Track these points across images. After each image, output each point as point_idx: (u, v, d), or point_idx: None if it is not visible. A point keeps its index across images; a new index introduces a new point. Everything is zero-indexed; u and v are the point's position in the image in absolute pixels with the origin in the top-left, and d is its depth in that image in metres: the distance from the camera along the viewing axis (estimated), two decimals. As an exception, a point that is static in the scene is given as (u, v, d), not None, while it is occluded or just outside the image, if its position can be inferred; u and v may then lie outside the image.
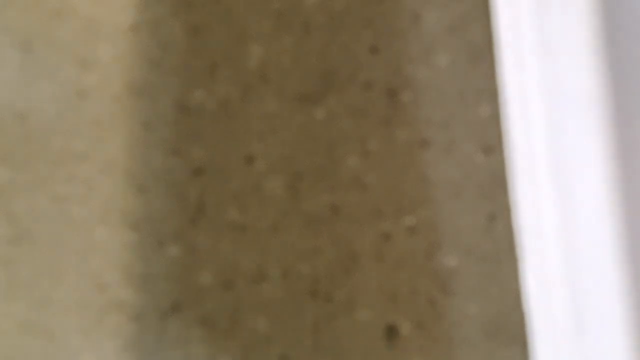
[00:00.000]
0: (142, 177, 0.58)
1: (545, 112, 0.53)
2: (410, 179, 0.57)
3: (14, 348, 0.56)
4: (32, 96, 0.59)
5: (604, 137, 0.53)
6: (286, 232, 0.57)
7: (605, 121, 0.53)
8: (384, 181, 0.57)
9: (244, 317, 0.57)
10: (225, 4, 0.61)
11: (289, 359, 0.56)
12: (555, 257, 0.51)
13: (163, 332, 0.57)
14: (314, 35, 0.60)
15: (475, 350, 0.54)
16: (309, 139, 0.58)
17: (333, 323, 0.56)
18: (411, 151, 0.57)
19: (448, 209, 0.56)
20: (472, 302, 0.55)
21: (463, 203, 0.56)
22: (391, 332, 0.56)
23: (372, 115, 0.58)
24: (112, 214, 0.58)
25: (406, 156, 0.57)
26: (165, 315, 0.57)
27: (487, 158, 0.57)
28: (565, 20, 0.54)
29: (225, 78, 0.59)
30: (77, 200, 0.58)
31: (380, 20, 0.59)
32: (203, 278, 0.57)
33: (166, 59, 0.60)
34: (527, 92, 0.54)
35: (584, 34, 0.54)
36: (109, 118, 0.59)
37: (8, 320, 0.56)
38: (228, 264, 0.57)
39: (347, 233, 0.57)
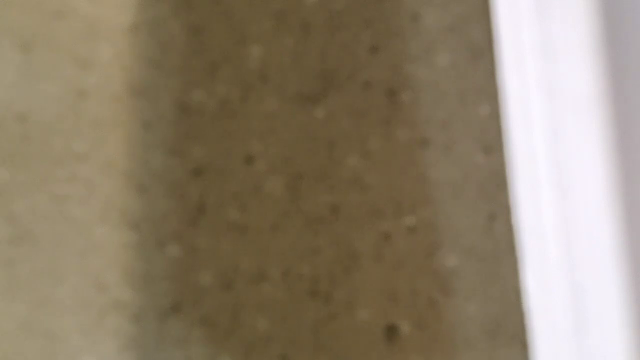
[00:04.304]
0: (142, 177, 0.58)
1: (545, 112, 0.53)
2: (410, 179, 0.57)
3: (14, 348, 0.56)
4: (32, 96, 0.59)
5: (604, 136, 0.53)
6: (286, 232, 0.57)
7: (605, 121, 0.53)
8: (384, 181, 0.57)
9: (244, 317, 0.57)
10: (225, 4, 0.60)
11: (289, 358, 0.56)
12: (555, 257, 0.51)
13: (163, 332, 0.57)
14: (314, 35, 0.60)
15: (475, 350, 0.54)
16: (309, 139, 0.58)
17: (333, 323, 0.56)
18: (411, 151, 0.57)
19: (448, 209, 0.56)
20: (472, 301, 0.55)
21: (463, 203, 0.56)
22: (391, 332, 0.55)
23: (372, 115, 0.58)
24: (112, 214, 0.58)
25: (406, 156, 0.57)
26: (165, 315, 0.57)
27: (487, 158, 0.57)
28: (565, 20, 0.54)
29: (225, 78, 0.59)
30: (77, 200, 0.58)
31: (380, 20, 0.59)
32: (203, 278, 0.57)
33: (166, 59, 0.60)
34: (527, 92, 0.54)
35: (583, 33, 0.54)
36: (109, 118, 0.59)
37: (8, 320, 0.56)
38: (228, 264, 0.57)
39: (347, 233, 0.57)
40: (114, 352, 0.56)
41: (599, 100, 0.53)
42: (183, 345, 0.56)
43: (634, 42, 0.54)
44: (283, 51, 0.59)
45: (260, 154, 0.58)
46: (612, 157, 0.53)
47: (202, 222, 0.58)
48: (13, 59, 0.59)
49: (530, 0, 0.54)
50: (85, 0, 0.60)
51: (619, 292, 0.51)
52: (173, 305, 0.57)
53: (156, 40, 0.60)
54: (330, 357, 0.56)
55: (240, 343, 0.56)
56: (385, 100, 0.58)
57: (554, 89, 0.54)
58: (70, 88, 0.59)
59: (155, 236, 0.58)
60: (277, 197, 0.58)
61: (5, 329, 0.56)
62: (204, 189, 0.58)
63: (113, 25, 0.60)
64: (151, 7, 0.60)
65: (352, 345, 0.56)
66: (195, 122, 0.59)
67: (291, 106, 0.59)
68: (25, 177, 0.58)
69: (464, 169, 0.57)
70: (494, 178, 0.56)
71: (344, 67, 0.59)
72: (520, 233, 0.52)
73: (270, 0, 0.60)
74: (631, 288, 0.51)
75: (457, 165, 0.57)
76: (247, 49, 0.60)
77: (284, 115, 0.59)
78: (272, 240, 0.57)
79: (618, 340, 0.50)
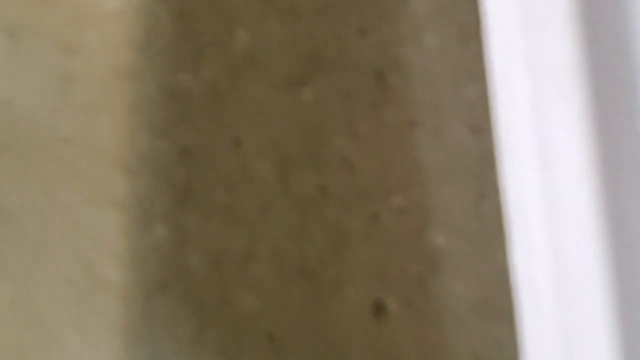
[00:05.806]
0: (130, 159, 0.58)
1: (532, 93, 0.53)
2: (399, 160, 0.57)
3: None
4: (18, 82, 0.59)
5: (590, 117, 0.53)
6: (274, 214, 0.57)
7: (592, 101, 0.53)
8: (372, 162, 0.57)
9: (231, 297, 0.57)
10: (212, -13, 0.60)
11: (277, 336, 0.56)
12: (542, 236, 0.51)
13: (150, 312, 0.56)
14: (301, 17, 0.59)
15: (462, 327, 0.54)
16: (297, 121, 0.58)
17: (321, 301, 0.56)
18: (400, 132, 0.57)
19: (437, 189, 0.56)
20: (460, 279, 0.55)
21: (452, 183, 0.56)
22: (379, 309, 0.55)
23: (360, 97, 0.58)
24: (99, 196, 0.58)
25: (395, 137, 0.57)
26: (152, 294, 0.57)
27: (475, 138, 0.57)
28: (551, 1, 0.54)
29: (212, 61, 0.59)
30: (64, 184, 0.58)
31: (368, 2, 0.59)
32: (191, 258, 0.57)
33: (152, 44, 0.60)
34: (514, 73, 0.54)
35: (570, 14, 0.54)
36: (96, 102, 0.59)
37: (-5, 303, 0.56)
38: (216, 245, 0.57)
39: (335, 214, 0.57)
40: (100, 332, 0.56)
41: (586, 81, 0.53)
42: (170, 324, 0.56)
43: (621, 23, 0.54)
44: (271, 34, 0.59)
45: (248, 136, 0.58)
46: (599, 137, 0.53)
47: (190, 203, 0.58)
48: (-1, 43, 0.59)
49: (517, -20, 0.54)
50: (72, -16, 0.60)
51: (604, 269, 0.51)
52: (160, 284, 0.57)
53: (142, 25, 0.60)
54: (317, 334, 0.56)
55: (228, 322, 0.56)
56: (373, 83, 0.58)
57: (540, 69, 0.54)
58: (56, 73, 0.59)
59: (142, 218, 0.57)
60: (265, 179, 0.58)
61: (-8, 313, 0.56)
62: (192, 171, 0.58)
63: (99, 11, 0.60)
64: (138, -10, 0.60)
65: (339, 322, 0.55)
66: (183, 105, 0.59)
67: (279, 89, 0.59)
68: (12, 161, 0.58)
69: (452, 150, 0.57)
70: (483, 158, 0.56)
71: (331, 49, 0.59)
72: (508, 212, 0.52)
73: (257, -17, 0.60)
74: (617, 265, 0.51)
75: (446, 146, 0.57)
76: (234, 31, 0.60)
77: (272, 97, 0.59)
78: (260, 222, 0.57)
79: (602, 316, 0.50)
